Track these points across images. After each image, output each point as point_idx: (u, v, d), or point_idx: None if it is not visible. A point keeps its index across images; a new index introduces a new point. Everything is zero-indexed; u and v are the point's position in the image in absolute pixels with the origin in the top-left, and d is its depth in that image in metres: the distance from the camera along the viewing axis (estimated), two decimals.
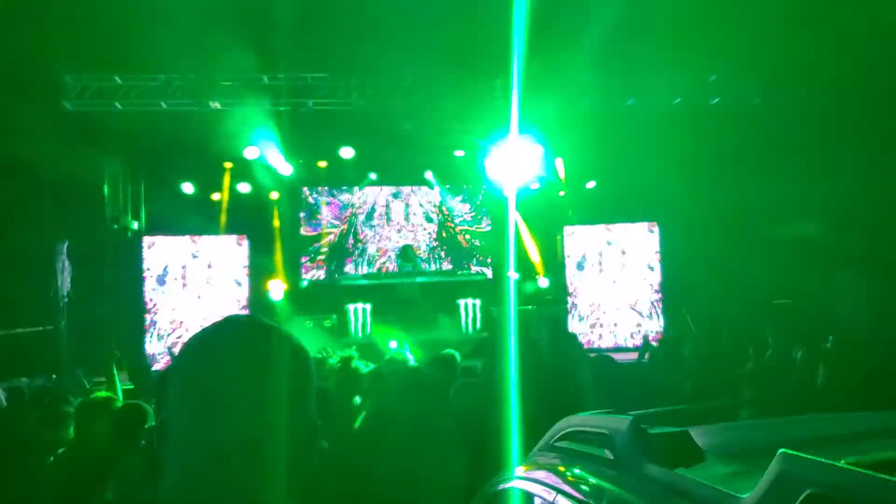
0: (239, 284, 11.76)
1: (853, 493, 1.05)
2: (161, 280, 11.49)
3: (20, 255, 9.31)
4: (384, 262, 14.99)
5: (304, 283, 12.96)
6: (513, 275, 11.75)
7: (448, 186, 15.50)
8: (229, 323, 1.08)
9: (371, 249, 15.25)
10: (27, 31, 8.64)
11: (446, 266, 15.26)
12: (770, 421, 1.97)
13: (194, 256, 11.67)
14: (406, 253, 12.89)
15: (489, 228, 15.51)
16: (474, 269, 15.14)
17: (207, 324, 1.07)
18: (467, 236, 15.64)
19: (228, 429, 0.96)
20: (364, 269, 14.67)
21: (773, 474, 1.18)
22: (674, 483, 1.46)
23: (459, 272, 14.85)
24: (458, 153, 13.89)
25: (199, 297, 11.56)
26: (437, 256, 15.42)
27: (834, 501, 1.07)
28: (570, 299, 12.19)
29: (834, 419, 2.02)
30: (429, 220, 15.50)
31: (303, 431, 1.02)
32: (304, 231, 14.98)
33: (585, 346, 10.47)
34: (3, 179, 8.46)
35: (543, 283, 12.90)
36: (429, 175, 14.64)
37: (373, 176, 14.76)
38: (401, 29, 9.04)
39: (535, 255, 14.67)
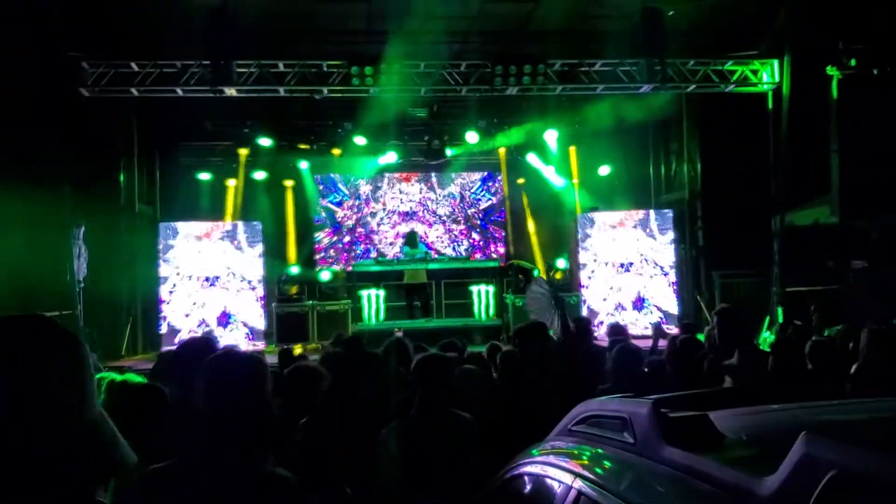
0: (252, 273, 11.81)
1: (877, 475, 1.06)
2: (176, 265, 11.55)
3: (36, 240, 9.35)
4: (396, 249, 15.02)
5: (325, 279, 12.78)
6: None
7: (463, 173, 15.45)
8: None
9: (384, 235, 15.26)
10: (45, 17, 8.68)
11: (461, 252, 15.23)
12: (790, 406, 1.96)
13: (208, 242, 11.72)
14: (411, 239, 12.87)
15: (504, 215, 15.47)
16: (489, 255, 15.08)
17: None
18: (481, 222, 15.61)
19: None
20: (377, 255, 14.68)
21: (796, 456, 1.18)
22: (694, 466, 1.46)
23: (473, 258, 14.81)
24: (473, 138, 13.77)
25: (213, 283, 11.62)
26: (451, 242, 15.42)
27: (858, 483, 1.07)
28: (581, 285, 12.14)
29: (855, 405, 2.02)
30: (445, 205, 15.50)
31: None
32: (318, 218, 15.01)
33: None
34: (19, 165, 8.49)
35: (561, 264, 12.74)
36: (444, 161, 14.53)
37: (391, 157, 14.47)
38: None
39: (547, 242, 14.60)
